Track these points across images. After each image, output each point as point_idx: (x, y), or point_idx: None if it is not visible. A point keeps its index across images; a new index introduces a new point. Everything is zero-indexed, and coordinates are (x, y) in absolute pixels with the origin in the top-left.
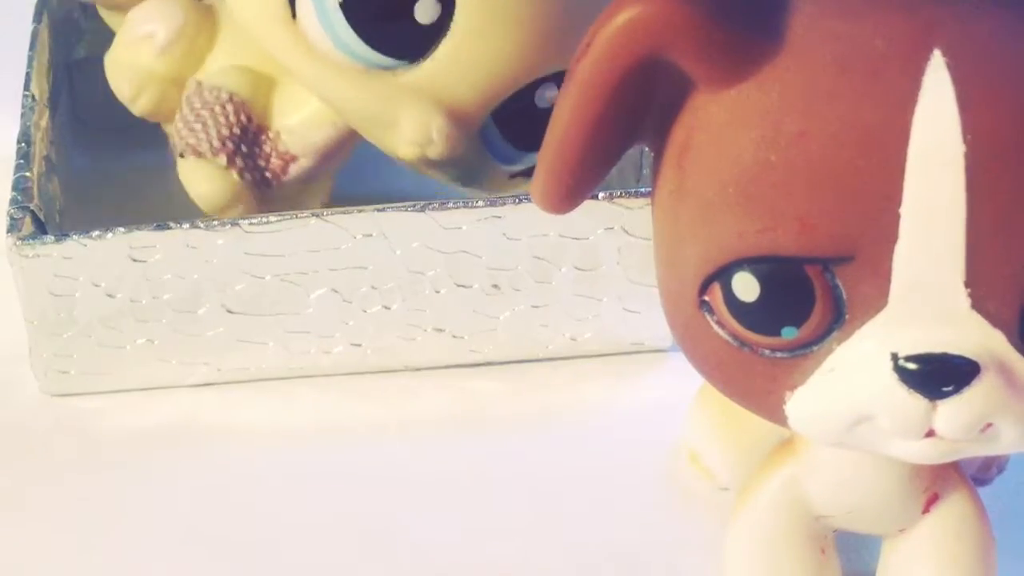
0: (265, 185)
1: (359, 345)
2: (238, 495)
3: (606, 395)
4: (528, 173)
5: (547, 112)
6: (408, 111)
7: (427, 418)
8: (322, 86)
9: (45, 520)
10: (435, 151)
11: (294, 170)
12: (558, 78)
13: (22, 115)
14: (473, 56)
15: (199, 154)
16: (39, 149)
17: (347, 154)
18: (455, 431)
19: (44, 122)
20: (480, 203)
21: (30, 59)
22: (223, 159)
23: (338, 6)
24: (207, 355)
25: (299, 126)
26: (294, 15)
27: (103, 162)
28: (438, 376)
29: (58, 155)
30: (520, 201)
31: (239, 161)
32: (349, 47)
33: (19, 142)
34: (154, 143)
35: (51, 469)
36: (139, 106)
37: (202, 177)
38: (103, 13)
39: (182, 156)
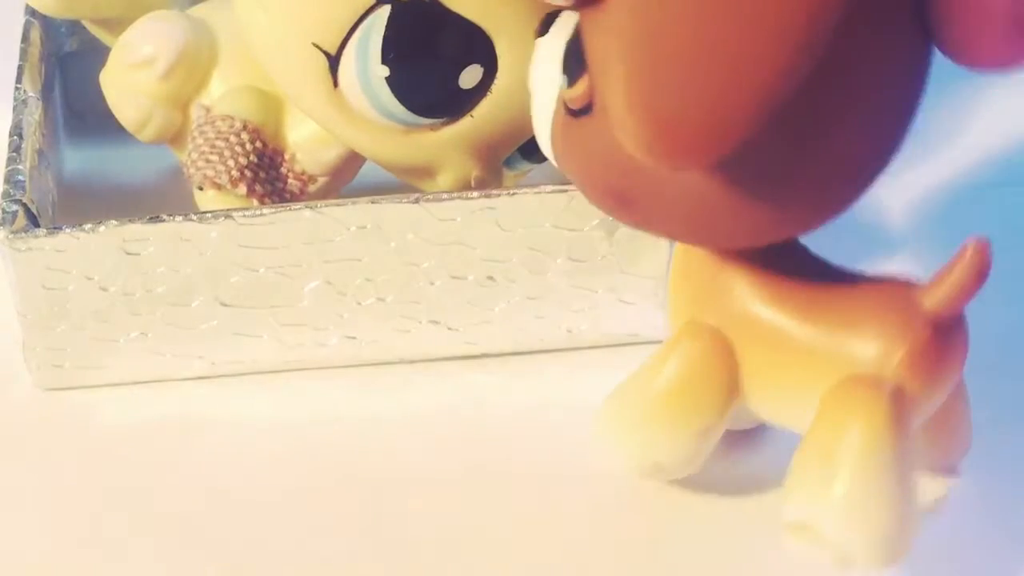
0: None
1: (353, 338)
2: (233, 487)
3: (602, 388)
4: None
5: None
6: (447, 163)
7: (422, 411)
8: (363, 146)
9: (39, 513)
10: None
11: (312, 190)
12: None
13: (14, 108)
14: (510, 110)
15: (218, 186)
16: (31, 142)
17: (360, 165)
18: (450, 424)
19: (37, 115)
20: (474, 194)
21: (22, 52)
22: (242, 189)
23: (383, 80)
24: (201, 348)
25: (312, 145)
26: (336, 84)
27: (96, 155)
28: (433, 368)
29: (50, 148)
30: (514, 192)
31: (258, 188)
32: (393, 113)
33: (11, 135)
34: None
35: (45, 463)
36: (146, 134)
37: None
38: (89, 26)
39: (200, 189)
